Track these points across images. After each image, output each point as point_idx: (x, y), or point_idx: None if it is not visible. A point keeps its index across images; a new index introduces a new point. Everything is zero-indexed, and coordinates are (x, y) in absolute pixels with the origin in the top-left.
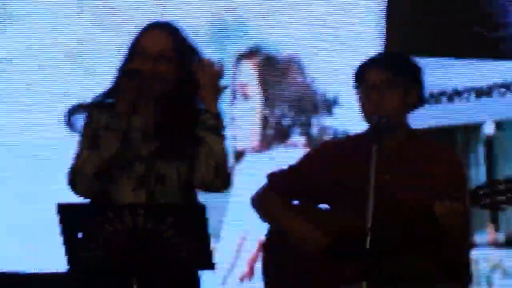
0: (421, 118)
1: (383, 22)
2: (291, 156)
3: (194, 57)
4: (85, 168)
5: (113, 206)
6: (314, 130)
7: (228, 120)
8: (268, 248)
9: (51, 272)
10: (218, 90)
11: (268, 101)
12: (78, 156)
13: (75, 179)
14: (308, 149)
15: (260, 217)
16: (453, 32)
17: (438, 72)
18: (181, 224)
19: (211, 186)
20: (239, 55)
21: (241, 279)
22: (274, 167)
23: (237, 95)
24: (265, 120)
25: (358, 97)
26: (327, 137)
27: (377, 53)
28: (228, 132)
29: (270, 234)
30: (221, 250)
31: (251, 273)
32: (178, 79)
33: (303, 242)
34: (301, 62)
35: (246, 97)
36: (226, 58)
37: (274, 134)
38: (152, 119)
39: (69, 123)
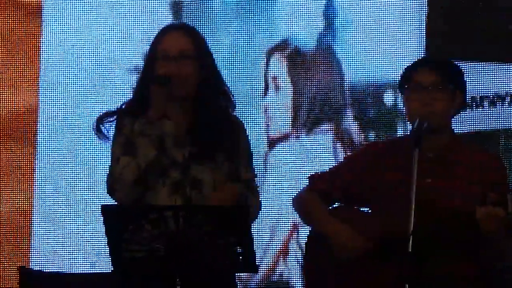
0: (463, 123)
1: (423, 25)
2: (320, 143)
3: (211, 58)
4: (124, 175)
5: (157, 207)
6: (342, 120)
7: (261, 110)
8: (309, 250)
9: (95, 272)
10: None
11: (298, 92)
12: (116, 163)
13: (115, 186)
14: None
15: (301, 219)
16: (495, 36)
17: (480, 77)
18: (223, 226)
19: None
20: (270, 49)
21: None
22: (303, 155)
23: (269, 87)
24: (295, 110)
25: (404, 98)
26: (355, 129)
27: (424, 57)
28: (261, 122)
29: (311, 236)
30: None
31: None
32: (201, 80)
33: (343, 245)
34: (331, 56)
35: (277, 88)
36: (258, 52)
37: (304, 124)
38: (182, 124)
39: (99, 131)
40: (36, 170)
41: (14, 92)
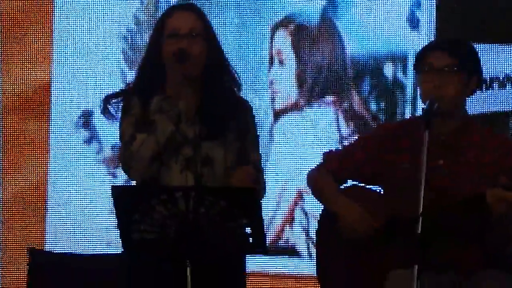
0: (473, 104)
1: (433, 7)
2: (323, 114)
3: (218, 40)
4: (142, 152)
5: (166, 188)
6: (345, 92)
7: (266, 83)
8: (322, 225)
9: (105, 254)
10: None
11: (302, 65)
12: (131, 140)
13: (131, 163)
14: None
15: (314, 195)
16: (504, 17)
17: (490, 58)
18: (233, 207)
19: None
20: (274, 25)
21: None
22: (308, 125)
23: (274, 61)
24: (299, 83)
25: (418, 79)
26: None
27: (440, 38)
28: (266, 94)
29: (322, 218)
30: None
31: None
32: (209, 61)
33: (352, 225)
34: (333, 30)
35: (281, 62)
36: (263, 27)
37: (308, 95)
38: (192, 102)
39: (106, 111)
40: (51, 148)
41: (28, 68)
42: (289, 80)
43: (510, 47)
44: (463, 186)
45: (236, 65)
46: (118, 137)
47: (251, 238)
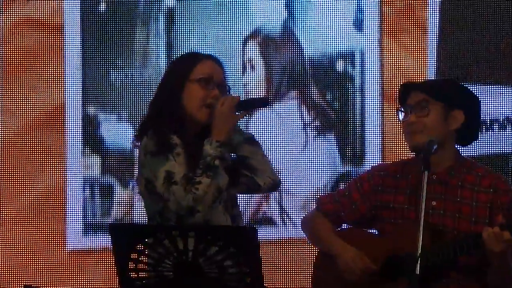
0: (473, 146)
1: (434, 50)
2: (289, 107)
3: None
4: (209, 197)
5: (164, 227)
6: (305, 87)
7: (241, 86)
8: (318, 267)
9: None
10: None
11: (269, 69)
12: (193, 183)
13: (198, 208)
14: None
15: (309, 240)
16: (504, 59)
17: (490, 100)
18: (231, 246)
19: (278, 184)
20: (245, 37)
21: None
22: (276, 118)
23: (246, 67)
24: (268, 83)
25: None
26: None
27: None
28: (240, 94)
29: (319, 257)
30: None
31: None
32: None
33: (349, 266)
34: (293, 38)
35: (252, 68)
36: (236, 38)
37: (275, 93)
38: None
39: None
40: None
41: (42, 91)
42: (259, 82)
43: (510, 88)
44: (458, 225)
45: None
46: (153, 171)
47: (248, 278)
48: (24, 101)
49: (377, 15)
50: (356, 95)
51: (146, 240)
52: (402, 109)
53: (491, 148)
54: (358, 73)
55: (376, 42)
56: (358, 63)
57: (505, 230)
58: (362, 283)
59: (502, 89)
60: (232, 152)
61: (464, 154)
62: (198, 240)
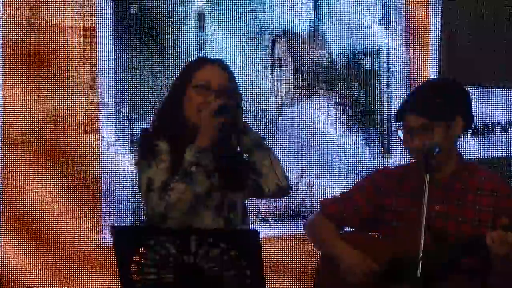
0: (474, 149)
1: (437, 53)
2: (318, 105)
3: (237, 95)
4: (181, 203)
5: (166, 230)
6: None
7: (270, 84)
8: (320, 271)
9: None
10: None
11: (298, 67)
12: (166, 190)
13: (170, 214)
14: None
15: (312, 243)
16: (507, 61)
17: (492, 103)
18: (234, 249)
19: (285, 190)
20: (273, 36)
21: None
22: (305, 116)
23: (275, 65)
24: (296, 82)
25: (401, 136)
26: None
27: (411, 96)
28: (270, 93)
29: (322, 258)
30: None
31: None
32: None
33: (352, 269)
34: (320, 36)
35: (281, 66)
36: (264, 38)
37: (304, 91)
38: (215, 151)
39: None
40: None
41: (77, 91)
42: (287, 80)
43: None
44: (461, 229)
45: (245, 69)
46: (138, 178)
47: (250, 280)
48: (60, 101)
49: (403, 13)
50: (383, 92)
51: (148, 242)
52: (402, 129)
53: (493, 151)
54: (384, 70)
55: (402, 39)
56: (384, 60)
57: (509, 231)
58: (365, 286)
59: (504, 92)
60: (237, 156)
61: (466, 157)
62: (199, 243)
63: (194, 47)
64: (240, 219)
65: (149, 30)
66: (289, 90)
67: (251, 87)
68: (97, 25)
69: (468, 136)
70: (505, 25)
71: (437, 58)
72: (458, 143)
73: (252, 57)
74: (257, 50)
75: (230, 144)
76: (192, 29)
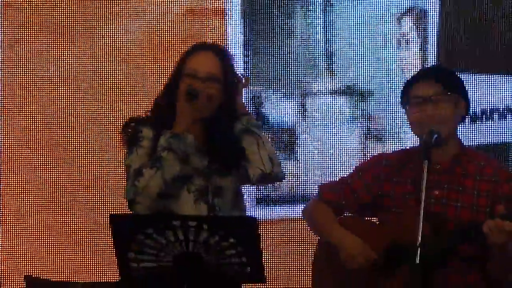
0: (474, 135)
1: (434, 38)
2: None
3: (236, 80)
4: (149, 188)
5: (165, 217)
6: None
7: (396, 61)
8: (318, 258)
9: (102, 282)
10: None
11: (424, 43)
12: (138, 175)
13: (138, 199)
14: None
15: (310, 228)
16: (505, 49)
17: (490, 89)
18: (232, 237)
19: (271, 175)
20: (400, 13)
21: None
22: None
23: (401, 42)
24: (422, 58)
25: (408, 111)
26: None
27: (421, 69)
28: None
29: (320, 246)
30: None
31: None
32: (221, 103)
33: (350, 255)
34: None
35: (407, 42)
36: (391, 15)
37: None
38: (201, 137)
39: (125, 138)
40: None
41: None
42: (414, 55)
43: (510, 78)
44: (460, 215)
45: (372, 46)
46: (124, 164)
47: (249, 268)
48: None
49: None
50: None
51: (147, 230)
52: (412, 100)
53: (491, 138)
54: None
55: None
56: None
57: (506, 220)
58: (362, 272)
59: (502, 79)
60: (226, 141)
61: (466, 144)
62: (198, 230)
63: (321, 27)
64: (229, 205)
65: (277, 10)
66: (415, 66)
67: (379, 64)
68: (227, 6)
69: (467, 123)
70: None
71: (433, 47)
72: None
73: (379, 35)
74: (384, 27)
75: (222, 128)
76: (319, 8)
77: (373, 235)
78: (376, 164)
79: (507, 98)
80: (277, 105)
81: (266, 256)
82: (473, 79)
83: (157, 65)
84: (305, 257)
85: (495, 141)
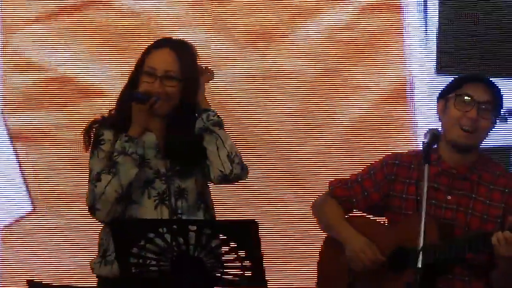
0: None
1: (434, 42)
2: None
3: (197, 76)
4: (106, 194)
5: (165, 222)
6: None
7: None
8: (324, 256)
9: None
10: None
11: None
12: (96, 180)
13: (97, 205)
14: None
15: (319, 224)
16: (508, 52)
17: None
18: (233, 241)
19: (231, 175)
20: None
21: None
22: None
23: None
24: None
25: (447, 105)
26: None
27: (477, 73)
28: None
29: (328, 239)
30: None
31: None
32: (181, 98)
33: (357, 255)
34: None
35: None
36: None
37: None
38: (161, 137)
39: (87, 141)
40: None
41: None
42: None
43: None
44: (470, 222)
45: None
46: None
47: (250, 272)
48: None
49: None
50: None
51: (147, 234)
52: (462, 97)
53: (494, 141)
54: None
55: None
56: None
57: None
58: (367, 272)
59: (506, 82)
60: (186, 141)
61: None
62: (199, 234)
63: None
64: (193, 207)
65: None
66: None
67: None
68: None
69: None
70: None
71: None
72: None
73: None
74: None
75: (181, 127)
76: None
77: (380, 236)
78: (388, 164)
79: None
80: None
81: (267, 257)
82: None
83: None
84: (308, 259)
85: (497, 144)
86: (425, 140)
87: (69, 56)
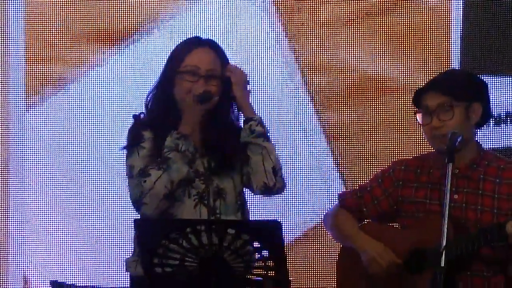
0: (487, 139)
1: (458, 42)
2: None
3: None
4: (156, 189)
5: (190, 222)
6: None
7: None
8: (341, 265)
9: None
10: (248, 94)
11: None
12: (144, 176)
13: (144, 200)
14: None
15: (332, 236)
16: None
17: (506, 93)
18: (257, 241)
19: (274, 188)
20: None
21: None
22: None
23: None
24: None
25: (419, 120)
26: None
27: (431, 80)
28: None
29: (343, 252)
30: None
31: None
32: (220, 99)
33: (374, 261)
34: None
35: None
36: None
37: None
38: (200, 136)
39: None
40: None
41: None
42: None
43: None
44: (481, 218)
45: None
46: (125, 165)
47: (273, 272)
48: None
49: (459, 45)
50: None
51: (172, 234)
52: (421, 112)
53: (506, 142)
54: None
55: None
56: None
57: None
58: (386, 277)
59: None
60: (231, 144)
61: (487, 147)
62: (222, 234)
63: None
64: (232, 208)
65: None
66: None
67: None
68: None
69: (491, 126)
70: None
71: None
72: (478, 132)
73: None
74: None
75: (222, 125)
76: None
77: (394, 240)
78: (396, 170)
79: None
80: None
81: (290, 259)
82: (495, 81)
83: None
84: (328, 260)
85: (509, 145)
86: (448, 139)
87: None
